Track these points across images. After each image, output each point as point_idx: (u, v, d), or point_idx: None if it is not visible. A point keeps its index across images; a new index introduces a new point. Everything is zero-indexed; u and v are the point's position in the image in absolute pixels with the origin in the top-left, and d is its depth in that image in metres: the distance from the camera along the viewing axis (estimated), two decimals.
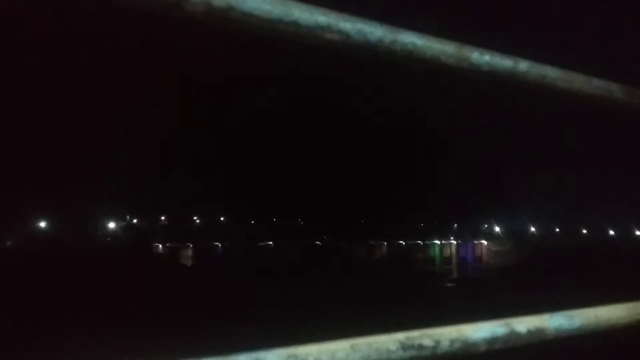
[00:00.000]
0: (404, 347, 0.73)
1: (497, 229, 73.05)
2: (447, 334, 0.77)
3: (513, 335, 0.81)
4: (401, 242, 70.72)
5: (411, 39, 0.82)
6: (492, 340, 0.79)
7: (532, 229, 73.89)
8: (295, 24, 0.73)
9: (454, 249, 71.40)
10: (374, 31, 0.78)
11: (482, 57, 0.88)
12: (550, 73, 0.96)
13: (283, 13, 0.72)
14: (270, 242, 65.95)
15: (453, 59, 0.86)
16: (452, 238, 74.74)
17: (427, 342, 0.75)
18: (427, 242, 72.82)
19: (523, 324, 0.83)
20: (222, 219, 67.92)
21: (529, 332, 0.83)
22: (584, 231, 72.38)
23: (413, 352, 0.73)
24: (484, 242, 71.61)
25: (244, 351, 0.64)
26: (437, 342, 0.75)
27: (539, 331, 0.84)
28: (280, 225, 68.86)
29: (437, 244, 73.66)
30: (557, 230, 73.47)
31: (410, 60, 0.82)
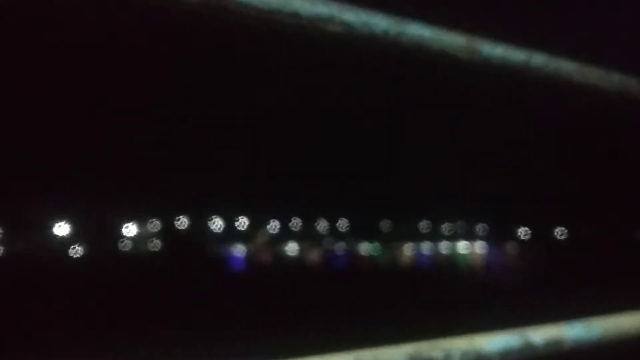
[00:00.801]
0: (412, 359, 0.69)
1: (520, 231, 73.73)
2: (458, 346, 0.72)
3: (528, 346, 0.77)
4: (427, 243, 71.91)
5: (418, 31, 0.78)
6: (506, 353, 0.75)
7: (557, 231, 74.07)
8: (296, 15, 0.70)
9: (479, 252, 72.76)
10: (379, 23, 0.75)
11: (493, 50, 0.85)
12: (566, 67, 0.92)
13: (283, 3, 0.69)
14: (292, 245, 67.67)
15: (463, 52, 0.82)
16: (477, 241, 75.62)
17: (437, 354, 0.71)
18: (450, 244, 74.07)
19: (539, 335, 0.78)
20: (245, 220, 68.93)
21: (546, 343, 0.78)
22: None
23: None
24: (508, 245, 72.45)
25: None
26: (448, 354, 0.71)
27: (556, 342, 0.79)
28: (300, 227, 70.10)
29: (462, 246, 74.79)
30: (580, 232, 73.34)
31: (417, 53, 0.79)
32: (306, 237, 68.89)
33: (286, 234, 68.94)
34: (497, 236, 73.59)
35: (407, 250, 68.41)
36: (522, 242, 72.61)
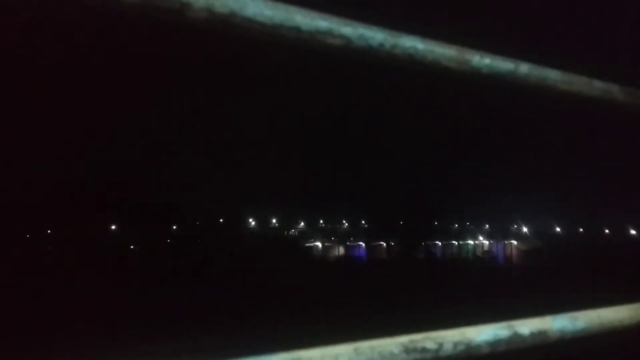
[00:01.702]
0: (407, 350, 0.73)
1: (524, 229, 74.62)
2: (450, 337, 0.77)
3: (516, 337, 0.81)
4: (437, 242, 72.67)
5: (412, 43, 0.82)
6: (495, 343, 0.79)
7: (557, 229, 74.90)
8: (297, 29, 0.73)
9: (486, 249, 74.17)
10: (375, 36, 0.79)
11: (482, 61, 0.89)
12: (551, 75, 0.96)
13: (284, 18, 0.72)
14: (318, 244, 68.72)
15: (454, 63, 0.86)
16: (483, 238, 76.51)
17: (430, 345, 0.75)
18: (461, 242, 74.92)
19: (526, 326, 0.83)
20: (274, 221, 69.54)
21: (532, 335, 0.83)
22: (607, 231, 72.86)
23: (416, 355, 0.73)
24: (514, 242, 73.43)
25: (248, 355, 0.64)
26: (440, 345, 0.75)
27: (542, 333, 0.84)
28: (326, 227, 71.25)
29: (470, 243, 75.63)
30: (581, 230, 74.05)
31: (411, 64, 0.83)
32: (311, 234, 69.96)
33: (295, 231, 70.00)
34: (490, 235, 74.63)
35: (404, 248, 69.16)
36: (514, 240, 73.63)
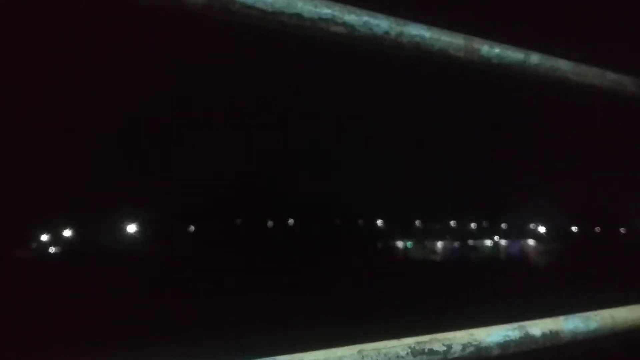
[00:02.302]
0: (414, 352, 0.70)
1: (541, 229, 74.78)
2: (459, 339, 0.74)
3: (527, 338, 0.78)
4: (454, 242, 73.00)
5: (418, 32, 0.79)
6: (505, 345, 0.77)
7: (573, 228, 75.04)
8: (299, 16, 0.70)
9: (502, 248, 74.72)
10: (380, 24, 0.76)
11: (492, 50, 0.85)
12: (562, 66, 0.94)
13: (286, 5, 0.70)
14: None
15: (462, 52, 0.83)
16: (499, 237, 76.73)
17: (438, 347, 0.72)
18: (477, 241, 75.22)
19: (537, 327, 0.80)
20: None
21: (544, 336, 0.80)
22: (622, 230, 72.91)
23: (423, 358, 0.71)
24: (530, 241, 73.68)
25: (250, 358, 0.62)
26: (449, 347, 0.73)
27: (554, 334, 0.81)
28: (340, 226, 71.91)
29: (487, 243, 75.89)
30: (597, 229, 74.06)
31: (417, 53, 0.80)
32: (311, 234, 70.20)
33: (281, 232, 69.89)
34: (507, 234, 74.83)
35: (408, 246, 69.43)
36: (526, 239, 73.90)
